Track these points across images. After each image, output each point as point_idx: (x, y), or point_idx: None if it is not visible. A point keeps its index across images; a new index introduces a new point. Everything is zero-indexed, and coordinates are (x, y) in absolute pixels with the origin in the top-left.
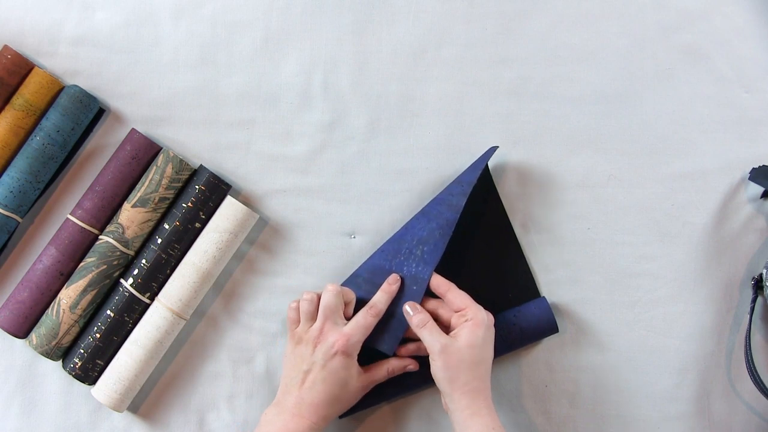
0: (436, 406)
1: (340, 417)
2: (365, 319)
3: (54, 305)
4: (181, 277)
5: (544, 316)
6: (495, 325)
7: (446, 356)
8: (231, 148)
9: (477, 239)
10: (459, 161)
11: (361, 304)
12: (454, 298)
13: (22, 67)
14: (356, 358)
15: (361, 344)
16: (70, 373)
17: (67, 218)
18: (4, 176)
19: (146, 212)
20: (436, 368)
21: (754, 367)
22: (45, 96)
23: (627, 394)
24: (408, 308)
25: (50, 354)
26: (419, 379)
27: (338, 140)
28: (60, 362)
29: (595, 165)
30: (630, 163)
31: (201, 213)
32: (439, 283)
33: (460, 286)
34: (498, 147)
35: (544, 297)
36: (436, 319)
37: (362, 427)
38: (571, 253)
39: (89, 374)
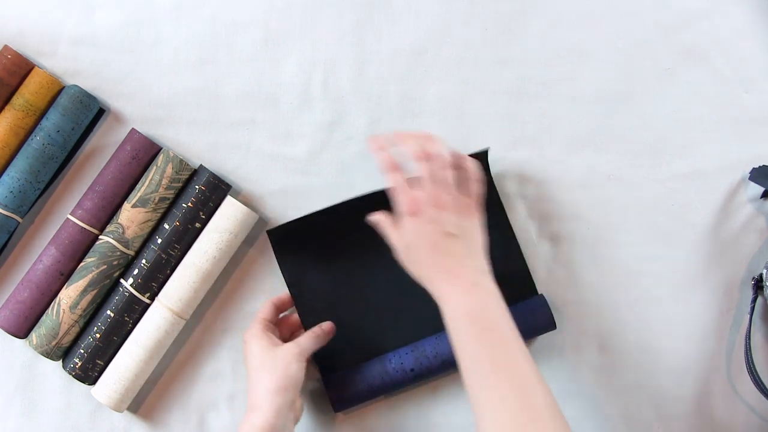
0: (435, 406)
1: (336, 411)
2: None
3: (54, 305)
4: (181, 277)
5: (541, 313)
6: None
7: (400, 256)
8: (231, 148)
9: None
10: None
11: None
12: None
13: (22, 67)
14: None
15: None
16: (70, 373)
17: (67, 218)
18: (4, 176)
19: (146, 212)
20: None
21: (754, 367)
22: (45, 96)
23: (627, 394)
24: (372, 217)
25: (50, 354)
26: (418, 377)
27: (338, 140)
28: (60, 362)
29: (595, 165)
30: (630, 163)
31: (201, 213)
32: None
33: None
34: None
35: (542, 294)
36: None
37: (360, 426)
38: (571, 253)
39: (89, 374)
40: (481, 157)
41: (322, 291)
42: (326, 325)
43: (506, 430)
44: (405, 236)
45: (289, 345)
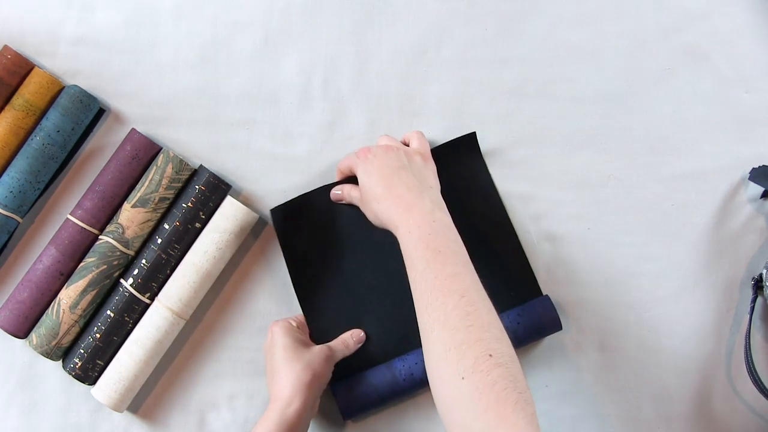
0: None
1: (345, 419)
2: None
3: (54, 305)
4: (181, 278)
5: (547, 314)
6: None
7: (362, 205)
8: (231, 148)
9: (477, 239)
10: None
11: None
12: (342, 166)
13: (22, 67)
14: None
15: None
16: (70, 373)
17: (67, 218)
18: (4, 176)
19: (146, 212)
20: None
21: (754, 367)
22: (45, 96)
23: (627, 394)
24: (334, 191)
25: (50, 354)
26: (426, 382)
27: (338, 140)
28: (60, 362)
29: (595, 165)
30: (630, 163)
31: (201, 213)
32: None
33: None
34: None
35: (547, 295)
36: None
37: (362, 427)
38: (571, 253)
39: (89, 374)
40: (470, 141)
41: (323, 275)
42: (356, 334)
43: (448, 346)
44: (360, 179)
45: (322, 346)
